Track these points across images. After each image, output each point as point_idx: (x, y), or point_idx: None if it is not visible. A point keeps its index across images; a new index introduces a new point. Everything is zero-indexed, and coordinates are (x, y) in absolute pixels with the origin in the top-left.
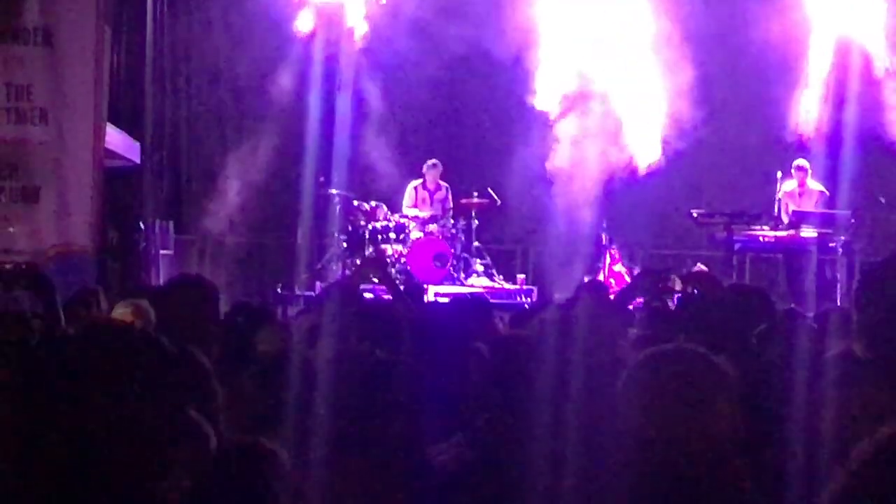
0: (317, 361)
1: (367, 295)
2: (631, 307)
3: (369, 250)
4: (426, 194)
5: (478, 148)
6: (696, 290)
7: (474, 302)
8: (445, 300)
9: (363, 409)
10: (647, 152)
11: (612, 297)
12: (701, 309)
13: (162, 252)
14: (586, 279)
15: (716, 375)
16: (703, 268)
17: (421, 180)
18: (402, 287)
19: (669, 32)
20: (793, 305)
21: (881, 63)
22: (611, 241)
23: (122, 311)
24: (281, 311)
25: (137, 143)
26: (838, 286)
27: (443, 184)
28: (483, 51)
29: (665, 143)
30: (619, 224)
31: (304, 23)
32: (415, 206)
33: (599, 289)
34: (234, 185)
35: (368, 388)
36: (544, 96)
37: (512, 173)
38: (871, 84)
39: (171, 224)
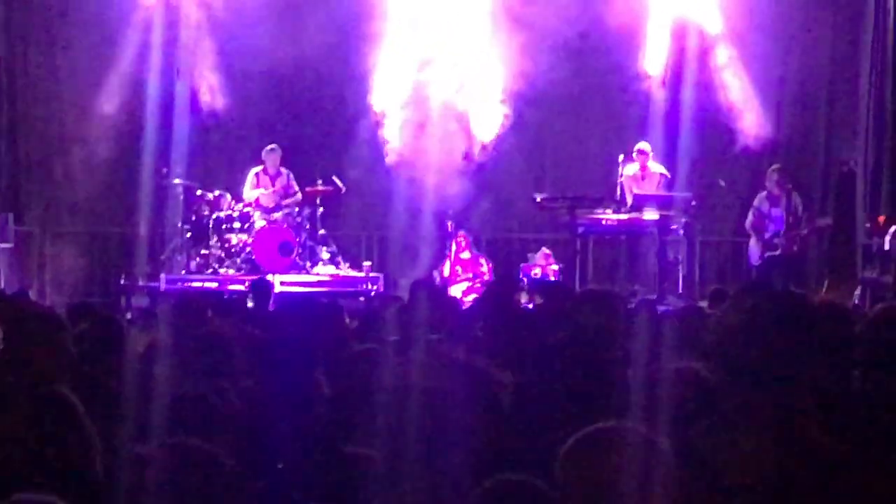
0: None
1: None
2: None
3: (213, 240)
4: (267, 179)
5: (321, 134)
6: (541, 301)
7: (320, 309)
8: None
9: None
10: (489, 137)
11: (452, 291)
12: (546, 323)
13: (1, 245)
14: (430, 274)
15: (653, 455)
16: (548, 252)
17: (262, 166)
18: (248, 282)
19: (508, 13)
20: (636, 287)
21: (718, 45)
22: (457, 228)
23: None
24: (124, 301)
25: None
26: (679, 267)
27: (283, 169)
28: (324, 37)
29: (507, 127)
30: (465, 209)
31: (143, 8)
32: (256, 188)
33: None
34: (73, 175)
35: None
36: (384, 82)
37: (355, 160)
38: (708, 66)
39: (11, 216)
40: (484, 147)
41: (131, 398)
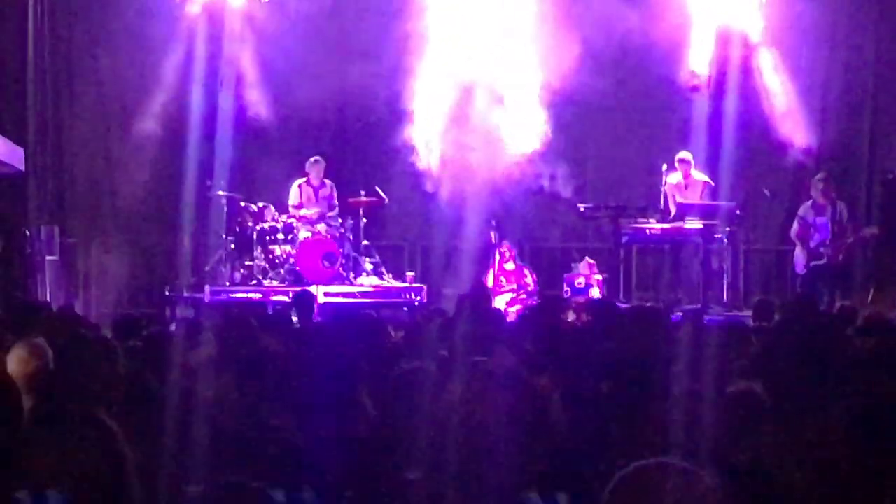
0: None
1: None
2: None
3: (257, 251)
4: (311, 191)
5: (364, 145)
6: (589, 318)
7: (365, 326)
8: (340, 307)
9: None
10: (531, 147)
11: (496, 302)
12: (593, 341)
13: (48, 258)
14: (477, 284)
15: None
16: (591, 261)
17: (305, 178)
18: (290, 294)
19: (550, 26)
20: (680, 297)
21: (762, 53)
22: (501, 239)
23: (19, 354)
24: (169, 312)
25: (21, 149)
26: (724, 276)
27: (327, 181)
28: (368, 47)
29: (550, 136)
30: (507, 219)
31: (187, 21)
32: (300, 203)
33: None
34: (118, 187)
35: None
36: (427, 92)
37: (399, 171)
38: (752, 73)
39: (57, 229)
40: (526, 157)
41: (179, 422)
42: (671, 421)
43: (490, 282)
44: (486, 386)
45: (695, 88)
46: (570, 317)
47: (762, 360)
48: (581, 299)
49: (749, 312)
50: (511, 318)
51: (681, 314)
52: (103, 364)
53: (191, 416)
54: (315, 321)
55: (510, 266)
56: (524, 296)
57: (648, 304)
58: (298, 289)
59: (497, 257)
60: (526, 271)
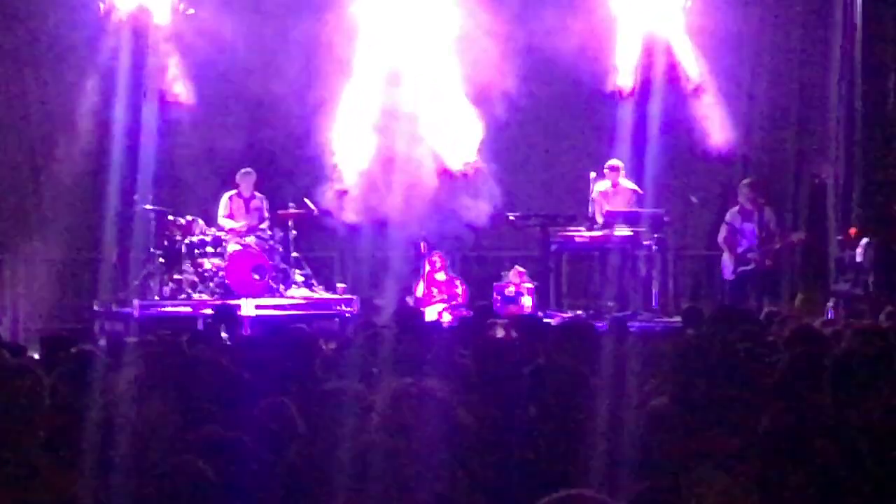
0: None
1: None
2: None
3: (186, 265)
4: (241, 203)
5: (293, 158)
6: (517, 335)
7: (295, 340)
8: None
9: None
10: (461, 157)
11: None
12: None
13: None
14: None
15: None
16: (521, 270)
17: (235, 190)
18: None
19: (476, 35)
20: (609, 304)
21: (687, 59)
22: (430, 249)
23: None
24: (98, 328)
25: None
26: (654, 283)
27: (257, 193)
28: (293, 61)
29: (478, 146)
30: (438, 228)
31: (110, 33)
32: (230, 215)
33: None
34: (43, 201)
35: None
36: (353, 103)
37: (326, 182)
38: (677, 81)
39: None
40: (453, 166)
41: (104, 450)
42: (593, 447)
43: (419, 292)
44: (411, 413)
45: (621, 96)
46: (499, 333)
47: (677, 373)
48: (510, 313)
49: (678, 318)
50: (444, 326)
51: (606, 324)
52: (29, 393)
53: (116, 443)
54: (246, 335)
55: (441, 276)
56: (455, 304)
57: (577, 317)
58: (219, 303)
59: (426, 267)
60: (457, 281)
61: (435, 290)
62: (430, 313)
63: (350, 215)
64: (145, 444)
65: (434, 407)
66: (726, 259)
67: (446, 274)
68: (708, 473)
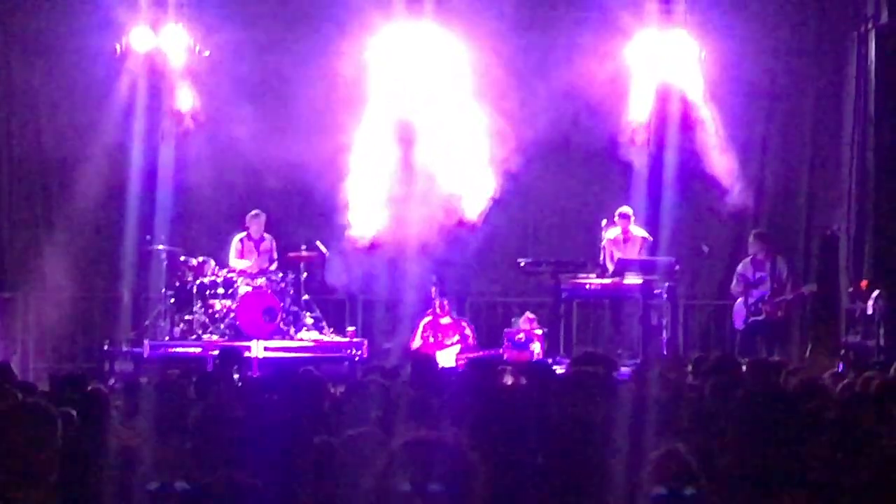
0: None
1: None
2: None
3: (197, 305)
4: (252, 245)
5: (305, 200)
6: (527, 380)
7: (304, 383)
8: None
9: None
10: (473, 203)
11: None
12: (531, 406)
13: None
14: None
15: None
16: (531, 316)
17: (245, 232)
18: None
19: (490, 81)
20: (619, 352)
21: (701, 109)
22: (440, 294)
23: None
24: (108, 367)
25: None
26: (664, 332)
27: (267, 235)
28: (310, 105)
29: (491, 193)
30: (448, 273)
31: (127, 73)
32: (241, 257)
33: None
34: (57, 240)
35: None
36: (367, 148)
37: (339, 225)
38: (691, 131)
39: None
40: (468, 213)
41: (115, 493)
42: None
43: (417, 342)
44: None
45: (634, 144)
46: (508, 380)
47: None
48: (519, 360)
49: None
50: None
51: (628, 371)
52: (41, 432)
53: (129, 481)
54: (254, 377)
55: (446, 320)
56: (469, 347)
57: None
58: (227, 344)
59: (428, 318)
60: (463, 323)
61: (440, 335)
62: (446, 357)
63: (361, 259)
64: (159, 488)
65: (448, 457)
66: (738, 307)
67: (451, 318)
68: None
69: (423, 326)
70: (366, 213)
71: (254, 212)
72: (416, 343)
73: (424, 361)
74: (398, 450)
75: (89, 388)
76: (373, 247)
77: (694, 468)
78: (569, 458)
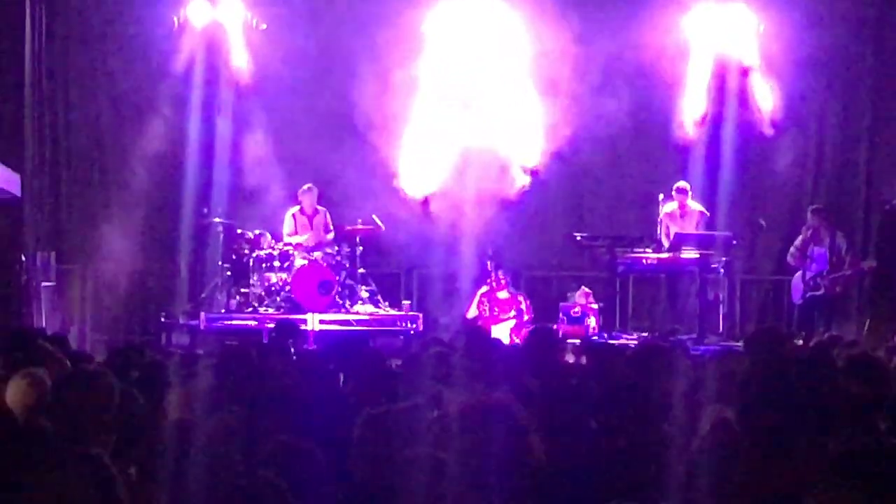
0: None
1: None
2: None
3: (253, 278)
4: (305, 219)
5: (361, 175)
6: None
7: (361, 355)
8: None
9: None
10: (528, 176)
11: (495, 331)
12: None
13: (44, 284)
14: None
15: None
16: (587, 290)
17: (298, 207)
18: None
19: (547, 55)
20: (676, 327)
21: (759, 84)
22: (497, 267)
23: (18, 384)
24: (165, 339)
25: (17, 175)
26: (720, 306)
27: (320, 208)
28: (365, 80)
29: (547, 166)
30: (505, 248)
31: (184, 48)
32: (295, 232)
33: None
34: (114, 213)
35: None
36: (424, 122)
37: (396, 198)
38: (748, 103)
39: (53, 255)
40: (524, 186)
41: (174, 456)
42: (664, 464)
43: (472, 312)
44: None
45: (692, 118)
46: (570, 358)
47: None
48: (575, 334)
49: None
50: (511, 346)
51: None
52: (100, 396)
53: (187, 450)
54: (310, 349)
55: (503, 294)
56: (524, 322)
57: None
58: (283, 317)
59: (485, 288)
60: (520, 297)
61: (497, 310)
62: (501, 332)
63: (418, 232)
64: (218, 454)
65: (503, 420)
66: (796, 283)
67: (509, 292)
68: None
69: (480, 297)
70: (420, 180)
71: (306, 186)
72: (472, 313)
73: (477, 331)
74: (454, 415)
75: (147, 358)
76: (427, 214)
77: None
78: (630, 426)
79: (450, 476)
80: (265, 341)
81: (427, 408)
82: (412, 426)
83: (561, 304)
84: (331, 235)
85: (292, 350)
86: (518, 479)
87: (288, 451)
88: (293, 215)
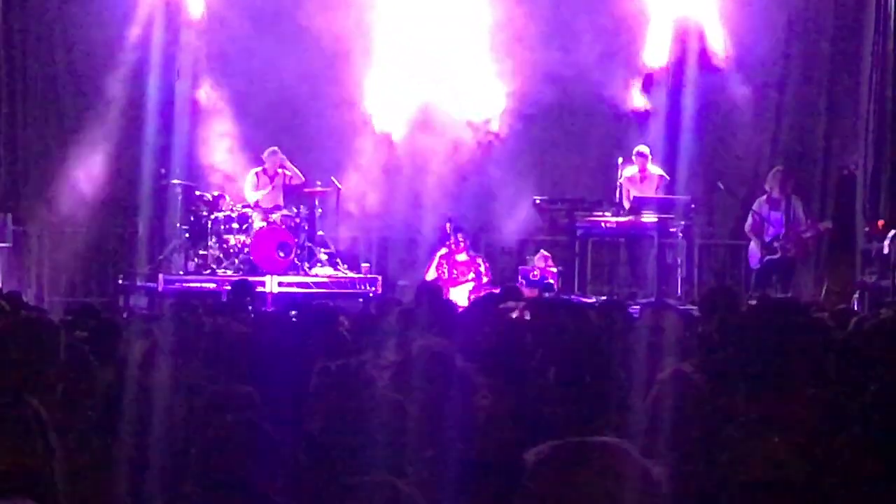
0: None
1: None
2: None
3: (212, 240)
4: (267, 179)
5: (320, 136)
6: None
7: (317, 314)
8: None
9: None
10: (488, 140)
11: (453, 293)
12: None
13: (0, 245)
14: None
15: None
16: (546, 254)
17: (261, 167)
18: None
19: (503, 19)
20: (634, 290)
21: (718, 46)
22: (456, 230)
23: None
24: (123, 301)
25: None
26: (679, 270)
27: (280, 170)
28: (324, 41)
29: (506, 128)
30: (464, 210)
31: (143, 7)
32: (256, 189)
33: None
34: (71, 175)
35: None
36: (383, 85)
37: (354, 161)
38: (709, 69)
39: (9, 216)
40: (483, 150)
41: (129, 407)
42: (621, 406)
43: (431, 274)
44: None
45: (650, 80)
46: (514, 314)
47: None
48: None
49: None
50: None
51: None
52: (44, 344)
53: (135, 405)
54: (268, 311)
55: (462, 257)
56: (483, 285)
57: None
58: (237, 278)
59: (444, 250)
60: (479, 260)
61: (455, 272)
62: (459, 294)
63: (376, 195)
64: (170, 405)
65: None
66: (753, 247)
67: (468, 254)
68: (753, 436)
69: (439, 259)
70: (381, 141)
71: (270, 149)
72: (431, 275)
73: (431, 289)
74: (395, 362)
75: (101, 317)
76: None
77: (700, 384)
78: (583, 373)
79: (399, 419)
80: (224, 300)
81: (379, 359)
82: (363, 376)
83: (520, 267)
84: (298, 181)
85: (250, 309)
86: (466, 421)
87: (243, 398)
88: (256, 174)
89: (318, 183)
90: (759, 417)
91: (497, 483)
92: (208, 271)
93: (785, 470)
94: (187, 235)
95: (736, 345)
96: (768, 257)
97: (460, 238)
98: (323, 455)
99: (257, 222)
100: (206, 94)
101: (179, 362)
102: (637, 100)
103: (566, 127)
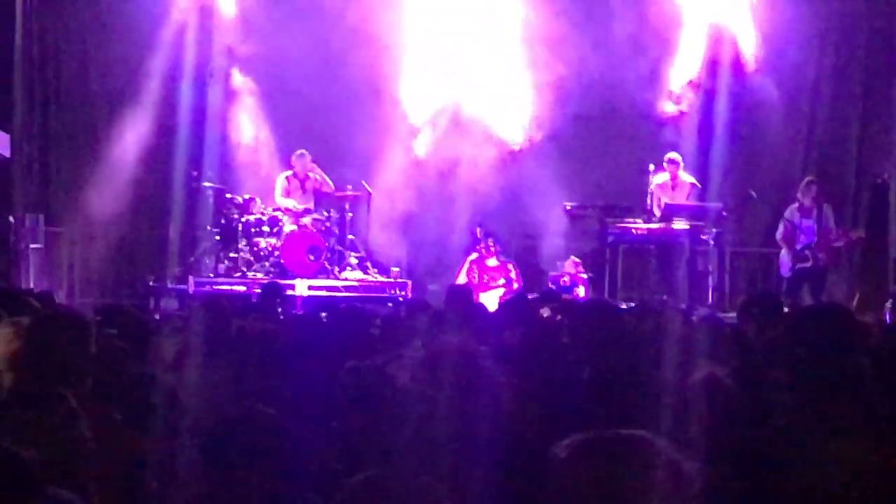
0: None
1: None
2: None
3: (242, 243)
4: (297, 183)
5: (352, 140)
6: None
7: (347, 315)
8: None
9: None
10: (520, 145)
11: (483, 298)
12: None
13: (32, 246)
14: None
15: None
16: (577, 260)
17: (291, 171)
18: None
19: (538, 24)
20: (665, 298)
21: (752, 55)
22: (486, 235)
23: (2, 333)
24: (153, 303)
25: (7, 136)
26: (710, 278)
27: (311, 174)
28: (356, 47)
29: (538, 136)
30: (495, 216)
31: (176, 10)
32: (287, 195)
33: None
34: (104, 176)
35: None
36: (416, 91)
37: (387, 165)
38: (742, 77)
39: (41, 217)
40: (515, 155)
41: (158, 404)
42: (655, 406)
43: (462, 278)
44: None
45: (684, 89)
46: (546, 313)
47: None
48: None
49: (733, 314)
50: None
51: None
52: (75, 337)
53: (165, 401)
54: (298, 313)
55: (493, 262)
56: (514, 290)
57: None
58: (267, 280)
59: (474, 255)
60: (510, 266)
61: (486, 277)
62: (489, 299)
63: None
64: (199, 402)
65: (471, 365)
66: (784, 256)
67: (498, 259)
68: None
69: (470, 264)
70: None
71: (298, 151)
72: (461, 280)
73: (461, 291)
74: (420, 360)
75: (131, 316)
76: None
77: (732, 388)
78: (616, 379)
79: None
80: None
81: (407, 360)
82: (390, 375)
83: (550, 273)
84: (328, 189)
85: (280, 310)
86: (494, 418)
87: (274, 395)
88: (286, 178)
89: (349, 187)
90: (808, 423)
91: (527, 480)
92: (239, 274)
93: (837, 479)
94: (218, 238)
95: (781, 349)
96: (799, 266)
97: (490, 243)
98: (353, 454)
99: (288, 225)
100: (239, 95)
101: (209, 361)
102: (669, 106)
103: (598, 133)
